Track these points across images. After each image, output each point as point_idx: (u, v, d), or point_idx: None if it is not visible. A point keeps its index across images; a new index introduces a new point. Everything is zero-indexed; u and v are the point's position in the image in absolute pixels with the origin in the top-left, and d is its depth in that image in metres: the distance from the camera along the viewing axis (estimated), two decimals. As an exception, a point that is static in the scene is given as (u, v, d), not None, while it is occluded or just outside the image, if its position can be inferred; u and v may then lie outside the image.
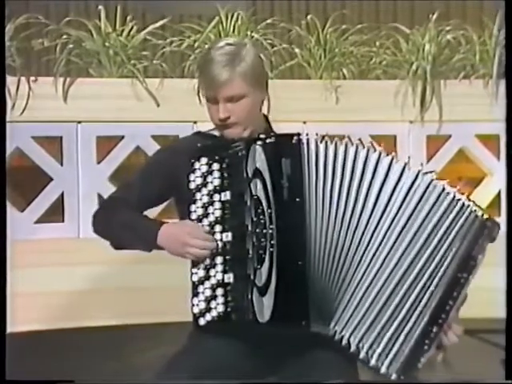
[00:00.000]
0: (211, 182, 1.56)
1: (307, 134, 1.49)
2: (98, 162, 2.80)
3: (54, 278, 2.71)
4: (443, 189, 1.47)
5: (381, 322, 1.46)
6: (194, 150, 1.58)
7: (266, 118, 1.75)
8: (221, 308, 1.55)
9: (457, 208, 1.46)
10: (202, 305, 1.57)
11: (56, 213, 2.78)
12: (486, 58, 2.89)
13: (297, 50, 2.92)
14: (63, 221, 2.78)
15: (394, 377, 1.45)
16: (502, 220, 2.47)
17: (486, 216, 1.46)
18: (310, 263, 1.46)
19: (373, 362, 1.46)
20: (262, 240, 1.47)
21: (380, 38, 2.96)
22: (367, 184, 1.48)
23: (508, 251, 1.60)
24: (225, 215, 1.55)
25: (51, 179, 2.77)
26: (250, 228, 1.49)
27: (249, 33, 2.72)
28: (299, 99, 2.84)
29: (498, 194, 2.99)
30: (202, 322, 1.57)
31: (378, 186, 1.47)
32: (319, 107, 2.87)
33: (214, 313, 1.56)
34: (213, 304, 1.56)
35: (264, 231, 1.47)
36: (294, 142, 1.48)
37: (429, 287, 1.45)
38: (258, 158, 1.48)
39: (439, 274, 1.45)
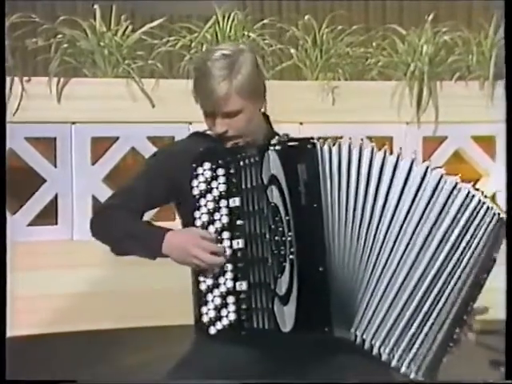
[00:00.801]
0: (217, 188, 1.53)
1: (320, 138, 1.47)
2: (93, 164, 2.75)
3: (47, 282, 2.66)
4: (468, 192, 1.45)
5: (411, 330, 1.45)
6: (195, 154, 1.54)
7: (266, 117, 1.71)
8: (232, 316, 1.52)
9: (482, 211, 1.45)
10: (212, 313, 1.54)
11: (49, 215, 2.73)
12: (481, 59, 2.90)
13: (292, 51, 2.90)
14: (56, 223, 2.73)
15: (420, 379, 1.45)
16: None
17: (504, 216, 1.45)
18: (330, 268, 1.44)
19: (403, 369, 1.46)
20: (282, 248, 1.44)
21: (376, 39, 2.95)
22: (386, 187, 1.46)
23: (508, 251, 1.59)
24: (234, 222, 1.51)
25: (44, 181, 2.72)
26: (267, 236, 1.46)
27: (246, 33, 2.69)
28: (296, 100, 2.82)
29: (493, 195, 3.00)
30: (212, 330, 1.54)
31: (398, 189, 1.45)
32: (316, 108, 2.85)
33: (225, 321, 1.53)
34: (223, 312, 1.53)
35: (283, 239, 1.44)
36: (308, 146, 1.46)
37: (455, 291, 1.44)
38: (273, 165, 1.46)
39: (464, 278, 1.44)
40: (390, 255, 1.45)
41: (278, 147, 1.46)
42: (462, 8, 4.11)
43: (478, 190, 1.46)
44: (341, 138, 1.48)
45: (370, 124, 2.88)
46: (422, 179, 1.45)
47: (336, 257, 1.45)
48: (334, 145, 1.47)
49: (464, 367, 1.55)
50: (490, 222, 1.45)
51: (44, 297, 2.65)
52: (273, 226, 1.45)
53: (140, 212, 1.64)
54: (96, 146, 2.75)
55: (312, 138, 1.47)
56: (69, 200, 2.72)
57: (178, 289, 2.64)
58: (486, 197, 1.46)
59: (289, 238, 1.44)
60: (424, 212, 1.45)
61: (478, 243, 1.45)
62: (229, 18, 2.69)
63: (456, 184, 1.45)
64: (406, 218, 1.45)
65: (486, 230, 1.45)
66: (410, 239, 1.45)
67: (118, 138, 2.76)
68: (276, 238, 1.45)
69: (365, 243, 1.45)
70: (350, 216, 1.45)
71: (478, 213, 1.44)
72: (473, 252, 1.44)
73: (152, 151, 2.76)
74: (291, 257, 1.43)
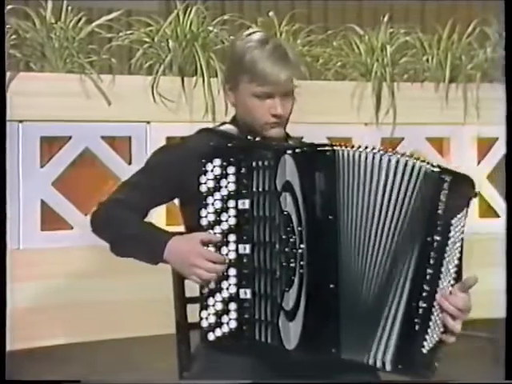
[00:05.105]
0: (226, 187, 1.44)
1: (340, 145, 1.40)
2: (42, 166, 2.55)
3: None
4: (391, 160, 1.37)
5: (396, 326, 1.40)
6: (205, 149, 1.46)
7: None
8: (233, 324, 1.45)
9: (414, 175, 1.37)
10: (212, 319, 1.46)
11: (-7, 222, 2.50)
12: (436, 61, 2.94)
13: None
14: (1, 231, 2.51)
15: (388, 367, 1.38)
16: (501, 220, 2.52)
17: (436, 169, 1.38)
18: (342, 286, 1.37)
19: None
20: (292, 260, 1.36)
21: (335, 39, 2.93)
22: (395, 196, 1.38)
23: (508, 251, 1.58)
24: (242, 225, 1.43)
25: (-13, 184, 2.50)
26: (277, 246, 1.37)
27: (211, 28, 2.59)
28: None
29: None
30: (211, 337, 1.47)
31: (402, 194, 1.38)
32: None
33: (225, 328, 1.46)
34: (224, 319, 1.46)
35: (294, 251, 1.36)
36: (327, 153, 1.38)
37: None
38: (289, 171, 1.37)
39: (410, 246, 1.37)
40: (401, 270, 1.38)
41: (296, 151, 1.38)
42: (415, 11, 4.20)
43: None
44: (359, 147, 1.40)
45: (329, 125, 2.85)
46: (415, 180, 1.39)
47: (348, 274, 1.37)
48: (354, 152, 1.39)
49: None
50: (417, 178, 1.37)
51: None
52: (284, 237, 1.37)
53: (144, 210, 1.55)
54: (46, 146, 2.55)
55: (332, 145, 1.40)
56: (15, 206, 2.50)
57: (138, 300, 2.55)
58: (417, 159, 1.38)
59: (300, 251, 1.36)
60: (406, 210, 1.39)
61: (410, 204, 1.37)
62: (190, 12, 2.58)
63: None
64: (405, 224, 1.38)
65: (413, 187, 1.37)
66: (403, 244, 1.38)
67: (70, 138, 2.57)
68: (286, 249, 1.36)
69: (380, 262, 1.38)
70: (367, 231, 1.37)
71: (403, 177, 1.38)
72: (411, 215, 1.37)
73: (107, 152, 2.66)
74: (301, 271, 1.35)
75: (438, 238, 1.37)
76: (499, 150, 3.07)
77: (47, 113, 2.49)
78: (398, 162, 1.38)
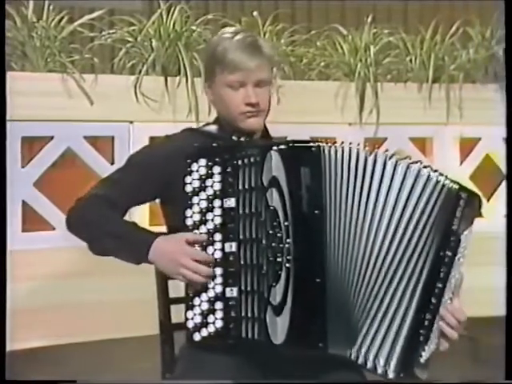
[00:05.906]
0: (211, 187, 1.44)
1: (327, 142, 1.40)
2: (23, 166, 2.51)
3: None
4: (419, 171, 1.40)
5: (401, 336, 1.40)
6: (190, 149, 1.46)
7: None
8: (219, 323, 1.44)
9: (430, 186, 1.39)
10: (198, 319, 1.46)
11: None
12: (420, 62, 2.95)
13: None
14: (-18, 232, 2.47)
15: (391, 375, 1.39)
16: (501, 220, 2.53)
17: (456, 186, 1.41)
18: (328, 281, 1.37)
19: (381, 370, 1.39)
20: (278, 255, 1.36)
21: (319, 39, 2.93)
22: (394, 196, 1.39)
23: (508, 251, 1.59)
24: (228, 224, 1.43)
25: (-33, 185, 2.46)
26: (264, 242, 1.37)
27: (194, 27, 2.57)
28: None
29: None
30: (197, 337, 1.46)
31: (404, 198, 1.39)
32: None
33: (211, 328, 1.45)
34: (210, 318, 1.45)
35: (280, 245, 1.36)
36: (313, 149, 1.38)
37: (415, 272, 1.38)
38: (275, 166, 1.37)
39: (422, 258, 1.39)
40: (389, 266, 1.39)
41: (281, 147, 1.38)
42: (398, 12, 4.22)
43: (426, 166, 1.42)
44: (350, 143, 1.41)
45: (313, 125, 2.85)
46: (407, 179, 1.40)
47: (335, 268, 1.37)
48: (339, 149, 1.40)
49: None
50: (439, 193, 1.39)
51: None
52: (270, 232, 1.37)
53: (124, 208, 1.53)
54: (27, 146, 2.51)
55: (317, 141, 1.40)
56: (-5, 206, 2.46)
57: (125, 301, 2.52)
58: (435, 171, 1.41)
59: (286, 245, 1.36)
60: (414, 216, 1.39)
61: (428, 215, 1.39)
62: (173, 12, 2.57)
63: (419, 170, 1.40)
64: (403, 227, 1.39)
65: (435, 202, 1.38)
66: (413, 253, 1.39)
67: (51, 138, 2.53)
68: (273, 244, 1.37)
69: (369, 255, 1.38)
70: (353, 227, 1.38)
71: (426, 188, 1.39)
72: (425, 227, 1.38)
73: (89, 152, 2.63)
74: (287, 265, 1.35)
75: (449, 253, 1.39)
76: (482, 151, 3.10)
77: (28, 112, 2.45)
78: (396, 164, 1.39)
